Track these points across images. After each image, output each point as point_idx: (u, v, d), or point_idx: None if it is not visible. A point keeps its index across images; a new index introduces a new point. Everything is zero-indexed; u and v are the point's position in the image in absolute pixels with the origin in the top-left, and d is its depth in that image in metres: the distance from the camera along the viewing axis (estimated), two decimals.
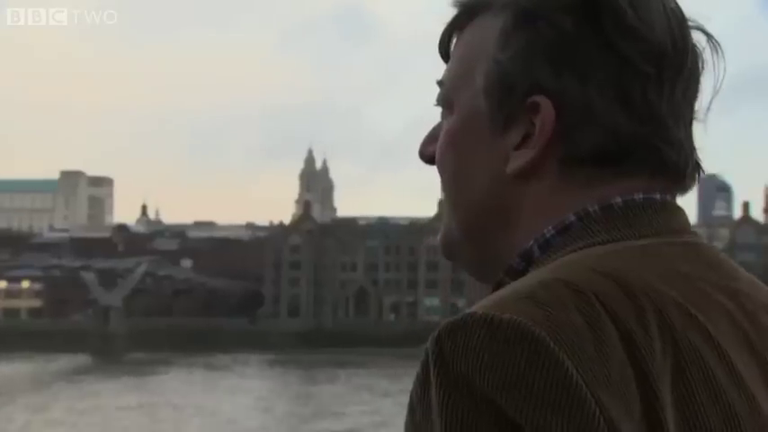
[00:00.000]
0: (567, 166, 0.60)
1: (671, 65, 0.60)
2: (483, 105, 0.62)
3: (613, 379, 0.48)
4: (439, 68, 0.66)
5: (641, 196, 0.59)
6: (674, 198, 0.62)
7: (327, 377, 48.25)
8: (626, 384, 0.48)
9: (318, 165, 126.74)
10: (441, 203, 0.67)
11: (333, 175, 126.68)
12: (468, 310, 0.51)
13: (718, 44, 0.62)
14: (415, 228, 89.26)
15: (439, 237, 0.67)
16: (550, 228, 0.59)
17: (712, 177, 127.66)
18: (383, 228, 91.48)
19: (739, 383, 0.52)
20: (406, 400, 0.49)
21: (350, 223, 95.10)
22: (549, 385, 0.47)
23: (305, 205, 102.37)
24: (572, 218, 0.59)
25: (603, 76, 0.59)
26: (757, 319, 0.56)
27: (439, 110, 0.66)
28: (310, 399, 39.16)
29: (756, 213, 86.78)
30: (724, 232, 79.62)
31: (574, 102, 0.59)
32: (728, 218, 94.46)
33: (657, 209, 0.59)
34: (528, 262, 0.59)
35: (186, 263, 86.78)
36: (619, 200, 0.58)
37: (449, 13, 0.65)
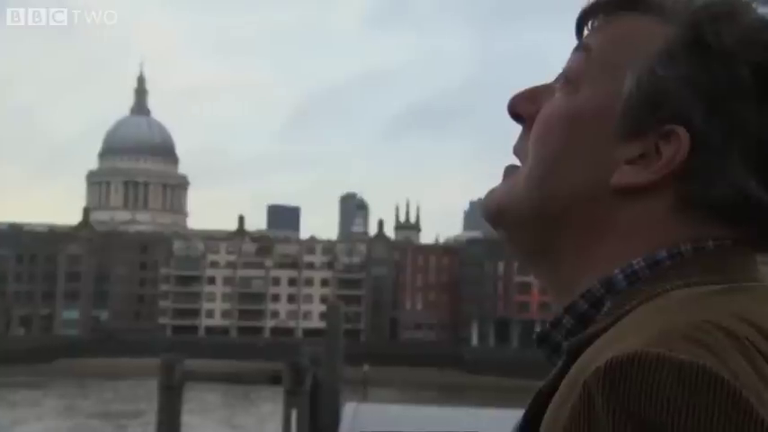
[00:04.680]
0: (683, 204, 0.58)
1: None
2: (618, 106, 0.60)
3: None
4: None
5: (729, 242, 0.59)
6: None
7: None
8: None
9: None
10: (508, 168, 0.64)
11: None
12: (630, 348, 0.47)
13: None
14: (55, 236, 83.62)
15: (495, 194, 0.63)
16: (640, 260, 0.57)
17: (352, 196, 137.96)
18: (16, 235, 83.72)
19: None
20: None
21: None
22: None
23: None
24: (663, 254, 0.57)
25: (751, 136, 0.58)
26: None
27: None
28: None
29: (389, 230, 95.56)
30: (361, 247, 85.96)
31: (712, 148, 0.57)
32: (365, 234, 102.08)
33: (742, 254, 0.59)
34: (607, 290, 0.57)
35: None
36: (710, 243, 0.58)
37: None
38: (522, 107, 0.64)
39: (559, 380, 0.51)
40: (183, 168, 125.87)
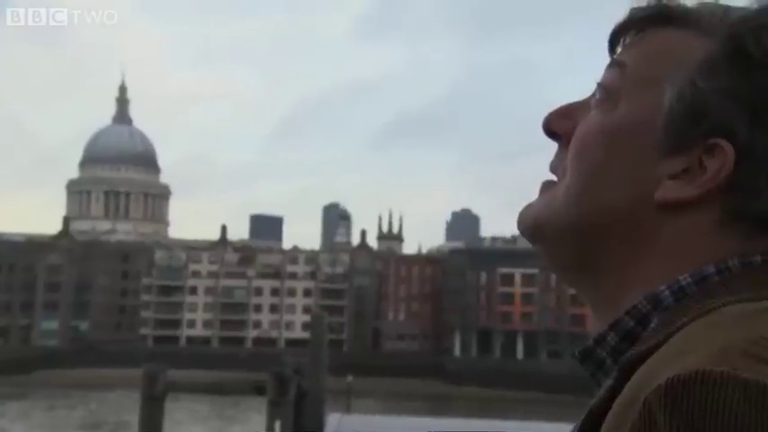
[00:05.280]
0: (728, 217, 0.58)
1: None
2: (659, 120, 0.59)
3: None
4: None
5: None
6: None
7: None
8: None
9: None
10: (545, 183, 0.64)
11: None
12: (692, 366, 0.47)
13: None
14: (35, 245, 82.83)
15: (532, 209, 0.63)
16: (687, 276, 0.57)
17: (335, 206, 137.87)
18: None
19: None
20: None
21: None
22: None
23: None
24: (711, 269, 0.57)
25: None
26: None
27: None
28: None
29: (371, 240, 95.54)
30: (344, 257, 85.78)
31: (757, 160, 0.57)
32: (348, 244, 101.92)
33: None
34: (654, 306, 0.57)
35: None
36: (758, 258, 0.57)
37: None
38: (558, 124, 0.64)
39: (611, 398, 0.50)
40: (166, 177, 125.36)
